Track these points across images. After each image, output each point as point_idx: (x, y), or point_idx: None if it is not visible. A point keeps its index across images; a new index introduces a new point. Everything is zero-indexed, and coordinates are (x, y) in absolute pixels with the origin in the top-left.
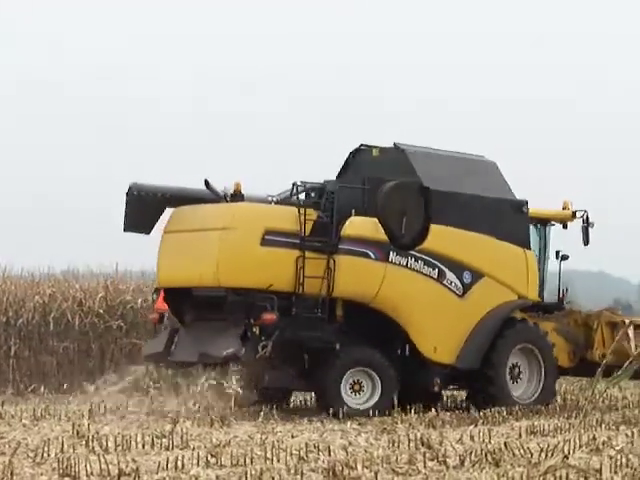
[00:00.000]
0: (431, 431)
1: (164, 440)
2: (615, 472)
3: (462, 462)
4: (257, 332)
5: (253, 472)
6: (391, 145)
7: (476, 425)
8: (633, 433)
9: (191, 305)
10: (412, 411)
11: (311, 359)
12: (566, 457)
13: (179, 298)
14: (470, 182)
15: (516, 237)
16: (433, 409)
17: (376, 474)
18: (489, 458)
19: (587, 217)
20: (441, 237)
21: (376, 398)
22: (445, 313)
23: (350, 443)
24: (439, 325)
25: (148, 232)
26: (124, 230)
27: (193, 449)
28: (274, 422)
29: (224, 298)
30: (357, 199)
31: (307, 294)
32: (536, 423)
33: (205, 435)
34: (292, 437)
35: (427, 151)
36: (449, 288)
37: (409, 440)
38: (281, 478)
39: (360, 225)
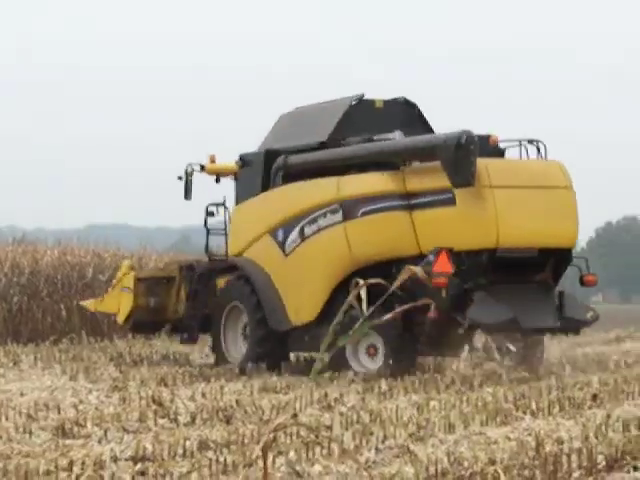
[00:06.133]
0: (163, 389)
1: None
2: (346, 428)
3: (193, 419)
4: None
5: None
6: (392, 98)
7: (208, 382)
8: (365, 390)
9: (489, 267)
10: (144, 369)
11: None
12: (296, 415)
13: (474, 259)
14: None
15: None
16: (166, 366)
17: (106, 432)
18: (220, 415)
19: (186, 171)
20: None
21: None
22: None
23: (81, 401)
24: None
25: None
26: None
27: None
28: (4, 381)
29: (536, 259)
30: None
31: None
32: (268, 381)
33: None
34: (22, 395)
35: None
36: None
37: (140, 398)
38: (9, 437)
39: None
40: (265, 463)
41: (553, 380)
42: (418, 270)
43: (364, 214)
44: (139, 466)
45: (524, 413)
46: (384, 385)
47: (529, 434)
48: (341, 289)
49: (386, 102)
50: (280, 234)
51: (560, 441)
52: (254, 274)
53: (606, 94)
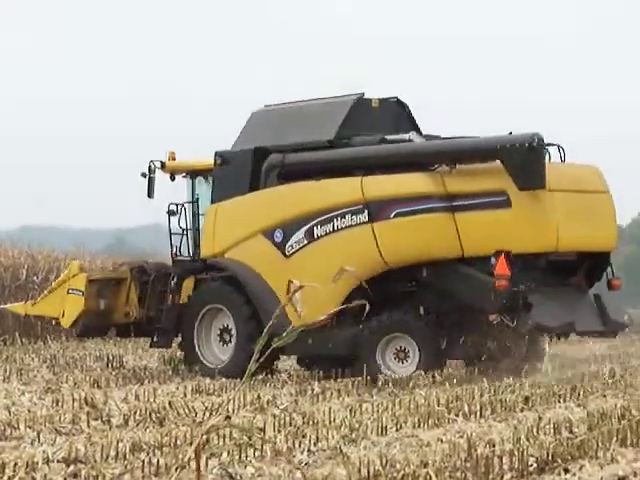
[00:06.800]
0: (96, 390)
1: None
2: (278, 431)
3: (126, 421)
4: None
5: None
6: (386, 96)
7: (142, 384)
8: (298, 392)
9: (544, 270)
10: (77, 371)
11: None
12: (229, 417)
13: (523, 262)
14: None
15: None
16: (99, 368)
17: (39, 434)
18: (153, 417)
19: (150, 168)
20: None
21: None
22: None
23: (13, 403)
24: None
25: None
26: None
27: None
28: None
29: (576, 262)
30: None
31: None
32: (202, 383)
33: None
34: None
35: None
36: None
37: (73, 400)
38: None
39: None
40: (198, 465)
41: (485, 382)
42: (351, 269)
43: (398, 215)
44: (72, 468)
45: (456, 415)
46: (317, 387)
47: (461, 436)
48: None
49: (381, 101)
50: (278, 235)
51: (492, 443)
52: (244, 276)
53: None
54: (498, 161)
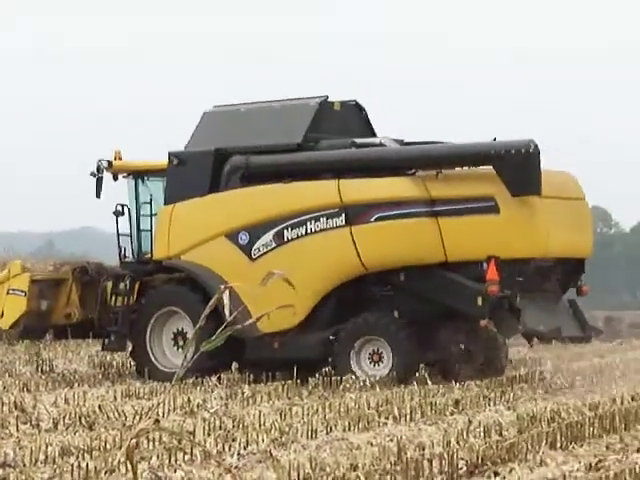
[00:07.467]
0: (25, 394)
1: None
2: (208, 434)
3: (56, 425)
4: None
5: None
6: (346, 99)
7: (71, 388)
8: (228, 395)
9: (518, 275)
10: (6, 374)
11: None
12: (158, 421)
13: (509, 268)
14: None
15: None
16: (29, 372)
17: None
18: (83, 421)
19: (99, 167)
20: None
21: None
22: None
23: None
24: None
25: None
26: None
27: None
28: None
29: (551, 268)
30: None
31: None
32: (132, 386)
33: None
34: None
35: None
36: None
37: (2, 404)
38: None
39: None
40: (133, 467)
41: (415, 386)
42: (279, 273)
43: (380, 219)
44: (0, 472)
45: (386, 419)
46: (247, 390)
47: (391, 440)
48: (334, 294)
49: (342, 104)
50: (243, 237)
51: (422, 446)
52: (205, 278)
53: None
54: (488, 167)
